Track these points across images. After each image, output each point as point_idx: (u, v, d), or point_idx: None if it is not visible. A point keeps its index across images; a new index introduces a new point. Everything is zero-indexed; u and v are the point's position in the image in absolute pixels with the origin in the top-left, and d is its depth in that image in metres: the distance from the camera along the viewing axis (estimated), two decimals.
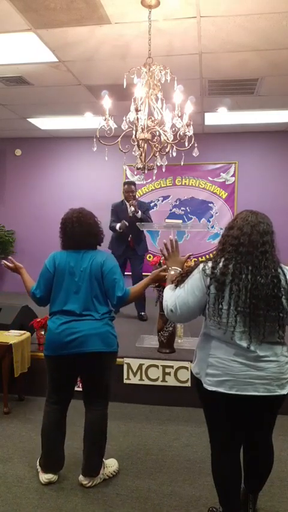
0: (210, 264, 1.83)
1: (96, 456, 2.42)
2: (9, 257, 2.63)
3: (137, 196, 5.36)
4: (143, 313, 5.19)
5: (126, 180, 5.55)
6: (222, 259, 1.81)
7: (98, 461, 2.43)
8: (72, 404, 2.50)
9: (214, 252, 1.94)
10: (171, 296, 1.89)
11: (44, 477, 2.41)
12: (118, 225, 5.05)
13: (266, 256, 1.78)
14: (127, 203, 5.18)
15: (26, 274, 2.52)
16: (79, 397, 2.49)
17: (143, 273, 5.25)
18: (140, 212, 5.06)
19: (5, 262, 2.57)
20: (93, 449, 2.41)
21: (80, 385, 2.51)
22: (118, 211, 5.20)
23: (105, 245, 5.22)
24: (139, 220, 4.98)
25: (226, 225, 1.92)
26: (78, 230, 2.37)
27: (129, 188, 5.17)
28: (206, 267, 1.82)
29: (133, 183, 5.36)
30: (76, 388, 2.50)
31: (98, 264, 2.33)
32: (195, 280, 1.83)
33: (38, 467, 2.49)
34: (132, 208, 5.05)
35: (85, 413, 2.46)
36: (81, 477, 2.40)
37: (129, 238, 5.17)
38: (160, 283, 2.44)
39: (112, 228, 5.05)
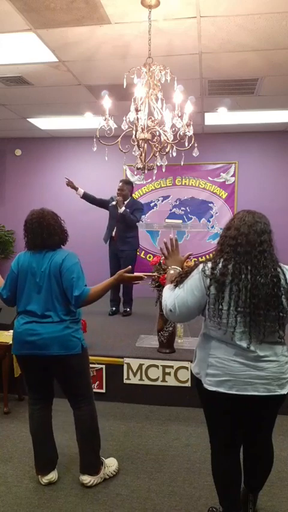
0: (209, 264, 1.83)
1: (90, 453, 2.42)
2: None
3: (129, 196, 5.44)
4: (128, 309, 5.42)
5: (122, 179, 5.64)
6: (222, 260, 1.81)
7: (92, 458, 2.43)
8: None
9: (213, 253, 1.94)
10: (171, 296, 1.89)
11: (44, 478, 2.41)
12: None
13: (265, 255, 1.78)
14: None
15: None
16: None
17: (142, 273, 5.27)
18: (123, 208, 5.16)
19: None
20: (86, 447, 2.43)
21: None
22: (110, 204, 5.36)
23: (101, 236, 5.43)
24: (122, 217, 5.14)
25: (224, 226, 1.93)
26: (38, 231, 2.36)
27: (121, 187, 5.29)
28: (206, 268, 1.82)
29: (126, 182, 5.45)
30: None
31: (56, 263, 2.32)
32: (195, 281, 1.83)
33: None
34: (114, 202, 5.22)
35: (73, 412, 2.47)
36: (81, 476, 2.41)
37: (113, 233, 5.28)
38: (124, 284, 2.42)
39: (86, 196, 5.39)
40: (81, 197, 5.37)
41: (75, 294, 2.25)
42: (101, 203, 5.43)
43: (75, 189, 5.33)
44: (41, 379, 2.44)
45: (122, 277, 2.37)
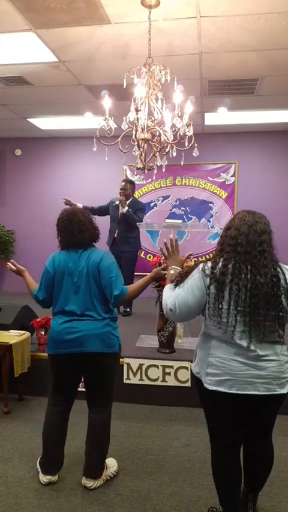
0: (209, 264, 1.84)
1: (98, 457, 2.41)
2: (12, 260, 2.63)
3: (132, 196, 5.45)
4: (128, 309, 5.40)
5: (124, 178, 5.64)
6: (222, 259, 1.81)
7: (99, 462, 2.42)
8: (74, 404, 2.50)
9: (213, 252, 1.94)
10: (171, 295, 1.89)
11: (44, 477, 2.41)
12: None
13: (265, 255, 1.78)
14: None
15: (28, 277, 2.54)
16: (81, 397, 2.48)
17: (144, 273, 5.29)
18: (126, 208, 5.17)
19: (9, 264, 2.59)
20: (96, 450, 2.40)
21: (83, 386, 2.48)
22: (110, 207, 5.37)
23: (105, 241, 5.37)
24: (125, 217, 5.16)
25: (224, 226, 1.93)
26: (69, 228, 2.37)
27: (124, 186, 5.30)
28: (206, 267, 1.83)
29: (129, 181, 5.45)
30: (79, 389, 2.49)
31: (94, 263, 2.32)
32: (195, 280, 1.83)
33: (38, 467, 2.48)
34: (117, 202, 5.23)
35: (88, 414, 2.45)
36: (84, 479, 2.39)
37: (115, 234, 5.29)
38: (160, 281, 2.43)
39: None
40: None
41: (115, 293, 2.27)
42: (101, 211, 5.38)
43: (74, 205, 5.30)
44: (71, 380, 2.42)
45: (159, 274, 2.37)
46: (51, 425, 2.44)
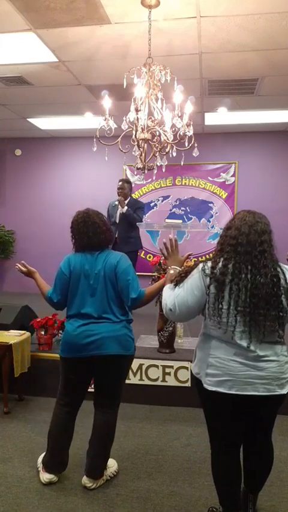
0: (209, 264, 1.84)
1: (101, 458, 2.41)
2: (22, 261, 2.60)
3: (129, 195, 5.47)
4: None
5: (121, 178, 5.67)
6: (222, 259, 1.81)
7: (102, 463, 2.42)
8: None
9: (213, 252, 1.94)
10: (171, 295, 1.89)
11: (45, 477, 2.40)
12: None
13: (265, 255, 1.78)
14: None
15: (40, 279, 2.51)
16: (86, 398, 2.48)
17: (144, 273, 5.30)
18: (125, 208, 5.20)
19: (19, 266, 2.56)
20: (100, 451, 2.40)
21: (93, 387, 2.47)
22: (110, 208, 5.40)
23: None
24: (125, 217, 5.19)
25: (224, 226, 1.93)
26: (84, 230, 2.36)
27: (121, 185, 5.33)
28: (206, 267, 1.82)
29: (126, 181, 5.48)
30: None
31: (111, 265, 2.31)
32: (195, 280, 1.83)
33: (40, 465, 2.48)
34: (117, 202, 5.25)
35: (95, 415, 2.44)
36: (84, 479, 2.38)
37: (116, 235, 5.29)
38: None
39: None
40: None
41: (133, 296, 2.26)
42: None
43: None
44: (82, 382, 2.41)
45: None
46: (58, 425, 2.43)
